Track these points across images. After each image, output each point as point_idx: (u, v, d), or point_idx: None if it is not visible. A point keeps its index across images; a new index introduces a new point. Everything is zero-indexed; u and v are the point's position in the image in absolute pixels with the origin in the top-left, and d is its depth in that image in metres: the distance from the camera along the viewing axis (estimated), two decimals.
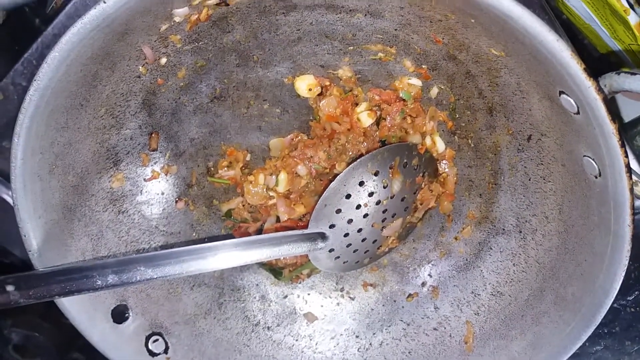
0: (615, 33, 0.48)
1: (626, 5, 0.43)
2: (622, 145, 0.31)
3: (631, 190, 0.32)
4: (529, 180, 0.43)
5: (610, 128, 0.31)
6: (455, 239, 0.48)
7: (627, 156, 0.32)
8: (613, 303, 0.46)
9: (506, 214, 0.45)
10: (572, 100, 0.33)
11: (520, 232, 0.44)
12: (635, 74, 0.30)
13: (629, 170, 0.32)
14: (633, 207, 0.33)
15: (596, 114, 0.31)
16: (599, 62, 0.52)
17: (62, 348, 0.53)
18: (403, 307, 0.49)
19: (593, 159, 0.34)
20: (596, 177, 0.34)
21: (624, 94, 0.40)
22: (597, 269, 0.36)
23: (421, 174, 0.46)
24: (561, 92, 0.33)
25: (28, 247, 0.39)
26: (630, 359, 0.48)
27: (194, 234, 0.49)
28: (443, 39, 0.40)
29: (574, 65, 0.30)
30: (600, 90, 0.30)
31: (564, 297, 0.39)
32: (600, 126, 0.31)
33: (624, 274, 0.35)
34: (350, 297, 0.50)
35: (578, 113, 0.33)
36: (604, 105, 0.31)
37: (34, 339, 0.53)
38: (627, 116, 0.52)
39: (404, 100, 0.45)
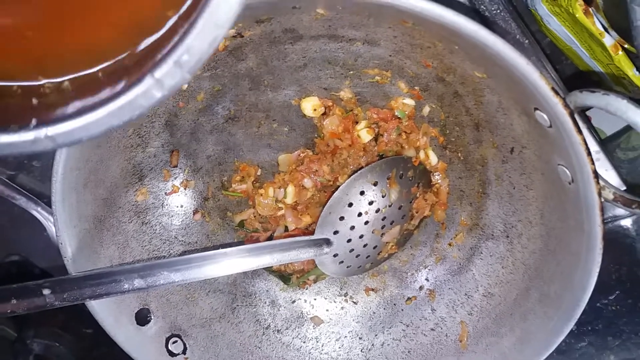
0: (594, 54, 0.49)
1: (601, 29, 0.45)
2: (589, 154, 0.33)
3: (599, 193, 0.33)
4: (514, 188, 0.44)
5: (577, 139, 0.32)
6: (449, 245, 0.49)
7: (593, 163, 0.33)
8: (595, 302, 0.46)
9: (494, 221, 0.46)
10: (545, 116, 0.34)
11: (508, 236, 0.45)
12: (594, 91, 0.33)
13: (596, 175, 0.33)
14: (602, 209, 0.33)
15: (565, 126, 0.33)
16: (581, 80, 0.55)
17: (80, 357, 0.53)
18: (402, 309, 0.50)
19: (566, 167, 0.36)
20: (570, 183, 0.36)
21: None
22: (574, 267, 0.37)
23: (416, 185, 0.47)
24: (535, 108, 0.35)
25: (64, 254, 0.40)
26: (612, 353, 0.48)
27: (209, 244, 0.49)
28: (432, 63, 0.41)
29: (543, 85, 0.32)
30: (566, 105, 0.32)
31: (547, 295, 0.40)
32: (569, 137, 0.33)
33: (598, 270, 0.35)
34: (353, 302, 0.51)
35: (551, 126, 0.34)
36: (570, 119, 0.32)
37: (54, 349, 0.52)
38: (608, 131, 0.53)
39: (399, 118, 0.46)
